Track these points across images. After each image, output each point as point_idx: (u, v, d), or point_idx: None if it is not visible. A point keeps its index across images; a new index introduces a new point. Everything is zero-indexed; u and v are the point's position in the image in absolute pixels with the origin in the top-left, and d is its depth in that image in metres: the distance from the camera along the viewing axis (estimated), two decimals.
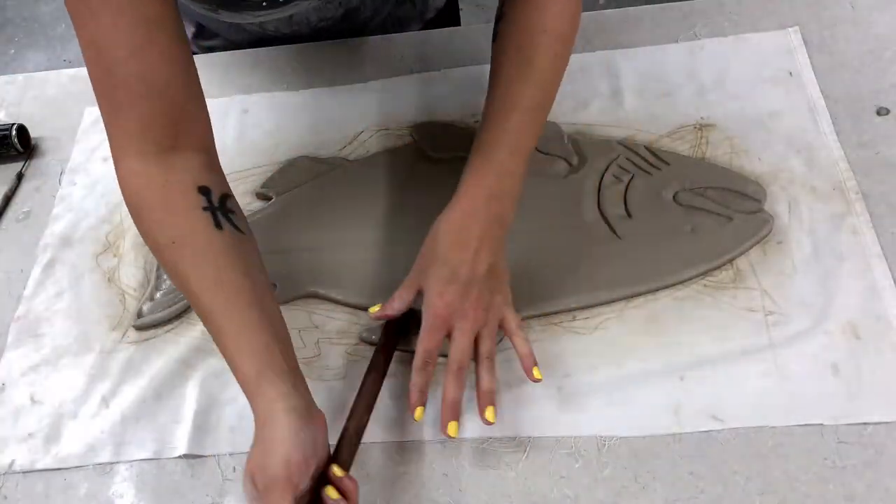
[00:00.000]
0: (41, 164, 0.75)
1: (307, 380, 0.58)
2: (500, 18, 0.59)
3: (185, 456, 0.56)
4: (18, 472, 0.57)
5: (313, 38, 0.79)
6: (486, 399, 0.53)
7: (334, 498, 0.47)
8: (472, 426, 0.55)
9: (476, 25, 0.80)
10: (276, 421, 0.47)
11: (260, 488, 0.46)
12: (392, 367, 0.58)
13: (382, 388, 0.56)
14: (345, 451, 0.51)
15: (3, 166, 0.75)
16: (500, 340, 0.58)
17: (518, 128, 0.57)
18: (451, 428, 0.52)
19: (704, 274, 0.60)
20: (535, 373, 0.54)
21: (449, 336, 0.54)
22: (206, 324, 0.51)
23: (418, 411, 0.53)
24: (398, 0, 0.80)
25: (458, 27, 0.80)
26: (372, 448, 0.55)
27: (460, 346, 0.54)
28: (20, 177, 0.74)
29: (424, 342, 0.54)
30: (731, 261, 0.61)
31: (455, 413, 0.53)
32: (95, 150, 0.76)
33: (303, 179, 0.70)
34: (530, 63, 0.56)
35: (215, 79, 0.79)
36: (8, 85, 0.83)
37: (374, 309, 0.58)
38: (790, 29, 0.74)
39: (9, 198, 0.73)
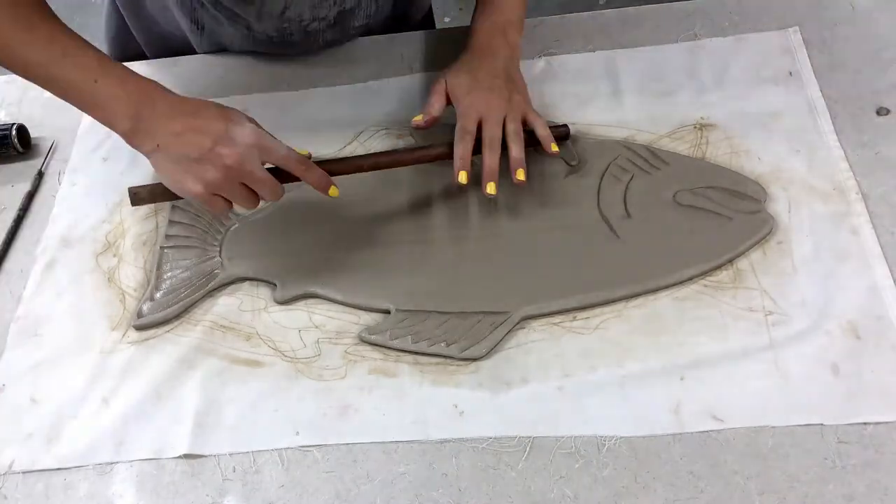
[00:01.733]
0: (41, 164, 0.75)
1: (307, 379, 0.59)
2: None
3: (186, 456, 0.56)
4: (18, 472, 0.57)
5: (302, 45, 0.78)
6: (517, 164, 0.63)
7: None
8: (471, 426, 0.55)
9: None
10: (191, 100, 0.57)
11: (254, 136, 0.55)
12: (389, 377, 0.58)
13: (386, 384, 0.57)
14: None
15: (7, 166, 0.75)
16: (506, 335, 0.58)
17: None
18: (490, 187, 0.62)
19: (704, 274, 0.60)
20: (553, 147, 0.64)
21: (479, 128, 0.64)
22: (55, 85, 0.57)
23: (462, 175, 0.62)
24: (394, 7, 0.80)
25: (459, 27, 0.80)
26: (372, 448, 0.55)
27: (490, 128, 0.63)
28: (41, 175, 0.74)
29: (461, 122, 0.64)
30: (731, 261, 0.61)
31: (494, 176, 0.62)
32: (95, 150, 0.76)
33: None
34: None
35: (215, 79, 0.79)
36: (8, 85, 0.83)
37: (418, 118, 0.66)
38: (790, 29, 0.75)
39: (32, 195, 0.73)
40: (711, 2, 0.78)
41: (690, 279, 0.60)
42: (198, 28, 0.77)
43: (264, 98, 0.77)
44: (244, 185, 0.57)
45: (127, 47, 0.85)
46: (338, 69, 0.78)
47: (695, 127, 0.69)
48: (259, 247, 0.66)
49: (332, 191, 0.60)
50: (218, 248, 0.66)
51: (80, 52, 0.57)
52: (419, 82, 0.76)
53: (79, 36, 0.58)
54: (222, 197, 0.57)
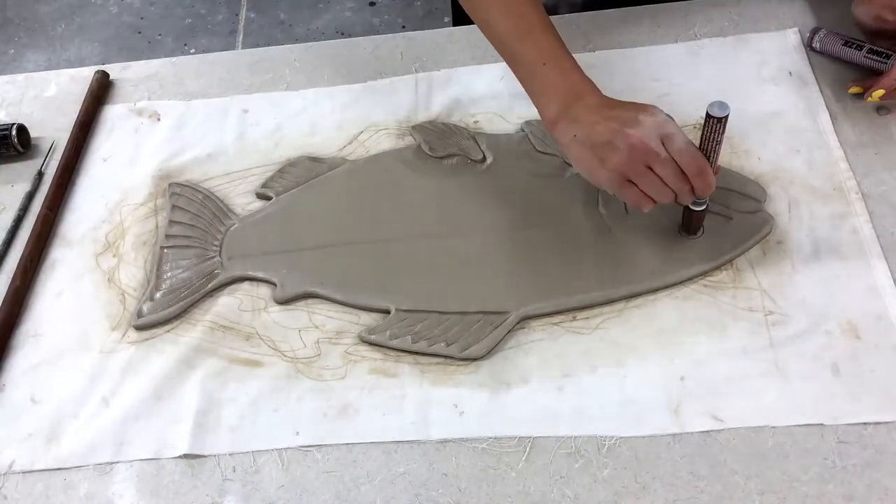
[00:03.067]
0: (40, 165, 0.75)
1: (307, 379, 0.59)
2: None
3: (185, 456, 0.56)
4: (18, 472, 0.57)
5: None
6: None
7: None
8: (471, 426, 0.55)
9: (475, 25, 0.80)
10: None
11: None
12: (387, 379, 0.58)
13: (386, 384, 0.57)
14: None
15: (7, 166, 0.75)
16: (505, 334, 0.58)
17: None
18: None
19: (704, 274, 0.60)
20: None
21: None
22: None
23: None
24: None
25: (458, 27, 0.80)
26: (372, 448, 0.55)
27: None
28: (41, 175, 0.74)
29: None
30: (731, 261, 0.61)
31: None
32: (95, 150, 0.76)
33: (303, 179, 0.70)
34: None
35: (215, 79, 0.80)
36: (8, 85, 0.83)
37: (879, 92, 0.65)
38: (790, 29, 0.75)
39: (32, 195, 0.73)
40: (711, 2, 0.78)
41: (690, 279, 0.60)
42: None
43: (264, 98, 0.77)
44: (650, 169, 0.55)
45: None
46: (338, 69, 0.78)
47: (695, 127, 0.69)
48: (259, 247, 0.66)
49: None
50: (218, 248, 0.66)
51: (541, 33, 0.61)
52: (419, 82, 0.76)
53: (547, 17, 0.62)
54: (635, 186, 0.56)
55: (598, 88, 0.59)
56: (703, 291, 0.60)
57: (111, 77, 0.81)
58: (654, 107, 0.56)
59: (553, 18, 0.79)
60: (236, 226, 0.68)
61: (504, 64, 0.76)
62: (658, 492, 0.52)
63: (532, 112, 0.72)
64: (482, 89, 0.75)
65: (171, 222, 0.68)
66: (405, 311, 0.60)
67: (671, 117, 0.56)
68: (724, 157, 0.67)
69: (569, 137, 0.57)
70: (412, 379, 0.58)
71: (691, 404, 0.55)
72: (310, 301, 0.63)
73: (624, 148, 0.54)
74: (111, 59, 0.80)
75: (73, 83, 0.82)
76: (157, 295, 0.64)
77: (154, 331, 0.63)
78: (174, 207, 0.69)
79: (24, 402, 0.60)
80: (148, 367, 0.61)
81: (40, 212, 0.70)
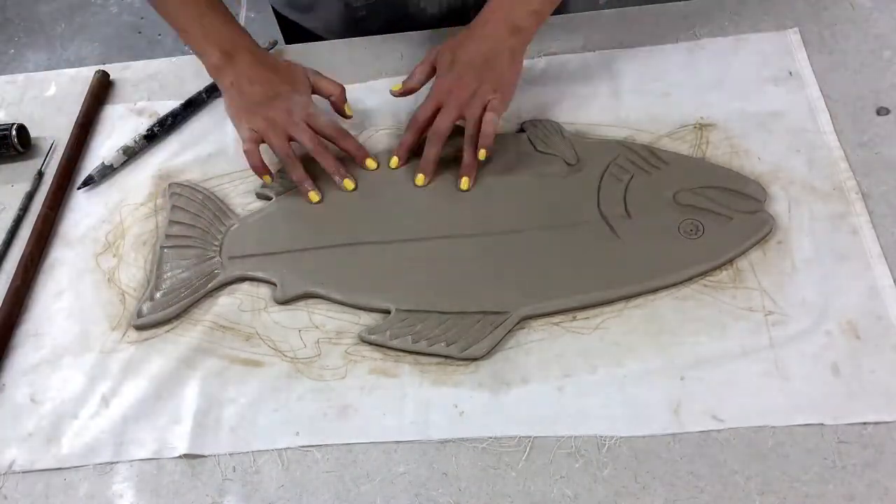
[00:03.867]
0: (40, 165, 0.75)
1: (307, 379, 0.59)
2: None
3: (185, 456, 0.56)
4: (18, 472, 0.57)
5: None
6: (465, 171, 0.65)
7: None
8: (471, 426, 0.55)
9: None
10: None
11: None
12: (387, 380, 0.58)
13: (386, 384, 0.57)
14: None
15: (7, 166, 0.75)
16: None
17: None
18: (420, 179, 0.66)
19: (704, 274, 0.60)
20: (482, 155, 0.64)
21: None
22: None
23: (394, 160, 0.68)
24: None
25: (458, 27, 0.80)
26: (372, 448, 0.55)
27: (441, 122, 0.65)
28: (41, 175, 0.74)
29: (418, 112, 0.67)
30: (731, 261, 0.61)
31: (429, 169, 0.66)
32: (95, 150, 0.76)
33: None
34: None
35: None
36: (8, 85, 0.83)
37: (397, 87, 0.69)
38: (790, 29, 0.75)
39: (32, 195, 0.73)
40: (711, 2, 0.78)
41: (690, 279, 0.60)
42: None
43: None
44: (289, 136, 0.66)
45: None
46: (337, 69, 0.78)
47: (695, 127, 0.69)
48: (259, 247, 0.66)
49: (370, 163, 0.68)
50: (218, 248, 0.66)
51: None
52: None
53: None
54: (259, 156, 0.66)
55: (256, 42, 0.68)
56: (703, 291, 0.60)
57: (111, 77, 0.81)
58: (303, 84, 0.68)
59: (555, 18, 0.80)
60: (236, 226, 0.68)
61: None
62: (658, 492, 0.52)
63: (531, 112, 0.73)
64: None
65: (171, 222, 0.68)
66: (405, 311, 0.60)
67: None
68: (725, 157, 0.67)
69: (228, 82, 0.67)
70: (412, 379, 0.58)
71: (691, 404, 0.55)
72: (310, 301, 0.63)
73: (272, 115, 0.65)
74: (111, 59, 0.80)
75: (73, 83, 0.82)
76: (157, 295, 0.64)
77: (154, 331, 0.63)
78: (174, 207, 0.69)
79: (24, 402, 0.60)
80: (148, 367, 0.61)
81: (40, 212, 0.70)
